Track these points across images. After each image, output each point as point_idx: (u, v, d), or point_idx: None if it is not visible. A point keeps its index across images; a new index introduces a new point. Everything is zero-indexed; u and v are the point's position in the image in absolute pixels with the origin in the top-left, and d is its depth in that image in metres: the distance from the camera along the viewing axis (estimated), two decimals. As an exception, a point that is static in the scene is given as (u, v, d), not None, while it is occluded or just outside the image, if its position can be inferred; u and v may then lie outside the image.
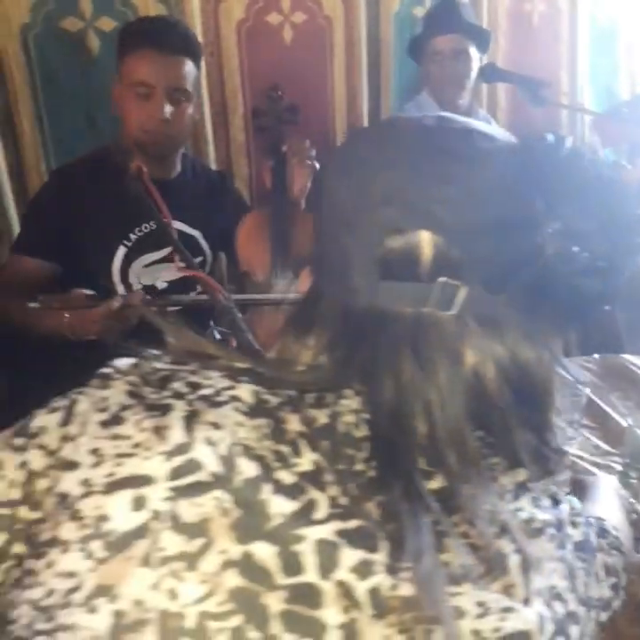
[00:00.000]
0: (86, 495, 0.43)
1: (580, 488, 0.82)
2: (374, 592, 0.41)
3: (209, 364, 0.50)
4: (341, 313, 0.50)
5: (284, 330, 0.54)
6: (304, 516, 0.42)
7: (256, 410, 0.46)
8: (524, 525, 0.46)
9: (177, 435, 0.44)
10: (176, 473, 0.43)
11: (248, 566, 0.41)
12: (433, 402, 0.47)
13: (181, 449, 0.44)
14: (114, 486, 0.43)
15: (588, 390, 1.22)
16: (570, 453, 1.04)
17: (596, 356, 1.36)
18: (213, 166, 1.93)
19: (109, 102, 1.45)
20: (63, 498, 0.44)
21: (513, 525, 0.44)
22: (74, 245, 1.40)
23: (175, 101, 1.40)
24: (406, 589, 0.41)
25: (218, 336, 1.52)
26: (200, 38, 1.80)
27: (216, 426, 0.45)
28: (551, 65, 2.32)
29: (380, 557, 0.41)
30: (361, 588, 0.41)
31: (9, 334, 1.33)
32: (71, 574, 0.42)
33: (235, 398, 0.47)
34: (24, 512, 0.46)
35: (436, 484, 0.45)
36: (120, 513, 0.42)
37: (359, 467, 0.45)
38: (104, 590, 0.41)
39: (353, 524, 0.42)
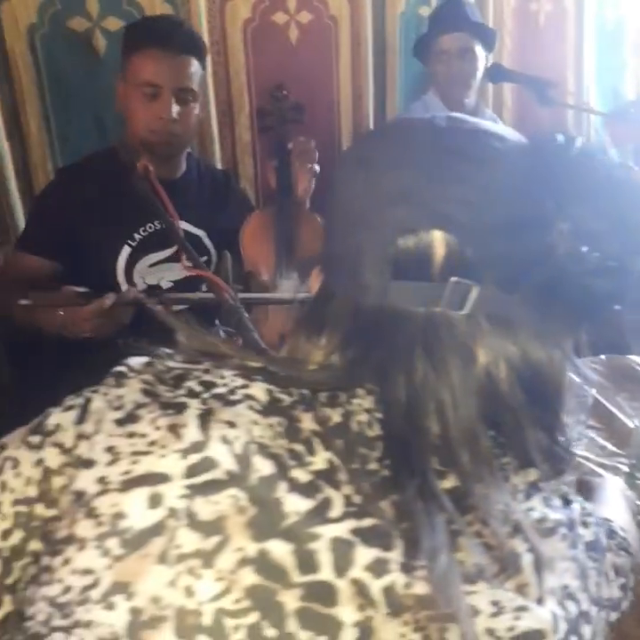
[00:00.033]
0: (102, 493, 0.43)
1: (586, 489, 0.82)
2: (389, 590, 0.41)
3: (222, 363, 0.50)
4: (353, 312, 0.50)
5: (294, 329, 0.54)
6: (319, 514, 0.42)
7: (270, 408, 0.46)
8: (537, 525, 0.46)
9: (192, 433, 0.44)
10: (192, 471, 0.43)
11: (264, 564, 0.41)
12: (445, 401, 0.47)
13: (197, 447, 0.44)
14: (130, 484, 0.43)
15: (594, 391, 1.22)
16: (576, 454, 1.04)
17: (603, 356, 1.35)
18: (219, 165, 1.93)
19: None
20: (79, 495, 0.44)
21: (525, 525, 0.45)
22: (78, 245, 1.40)
23: (182, 101, 1.41)
24: (421, 588, 0.41)
25: (223, 335, 1.52)
26: (206, 38, 1.80)
27: (231, 424, 0.45)
28: (557, 65, 2.32)
29: (395, 556, 0.42)
30: (376, 586, 0.41)
31: (20, 334, 1.34)
32: (88, 571, 0.42)
33: (249, 397, 0.47)
34: (40, 509, 0.46)
35: (448, 483, 0.45)
36: (136, 510, 0.42)
37: (373, 466, 0.45)
38: (121, 587, 0.41)
39: (367, 522, 0.42)
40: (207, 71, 1.82)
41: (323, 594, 0.41)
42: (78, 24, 1.74)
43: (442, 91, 1.97)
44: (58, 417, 0.48)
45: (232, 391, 0.47)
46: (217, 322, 1.53)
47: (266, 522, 0.42)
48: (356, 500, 0.43)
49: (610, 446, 1.11)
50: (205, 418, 0.45)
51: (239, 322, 1.14)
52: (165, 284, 1.49)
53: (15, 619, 0.45)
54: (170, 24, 1.47)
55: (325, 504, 0.43)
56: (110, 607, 0.41)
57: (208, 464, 0.43)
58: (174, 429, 0.45)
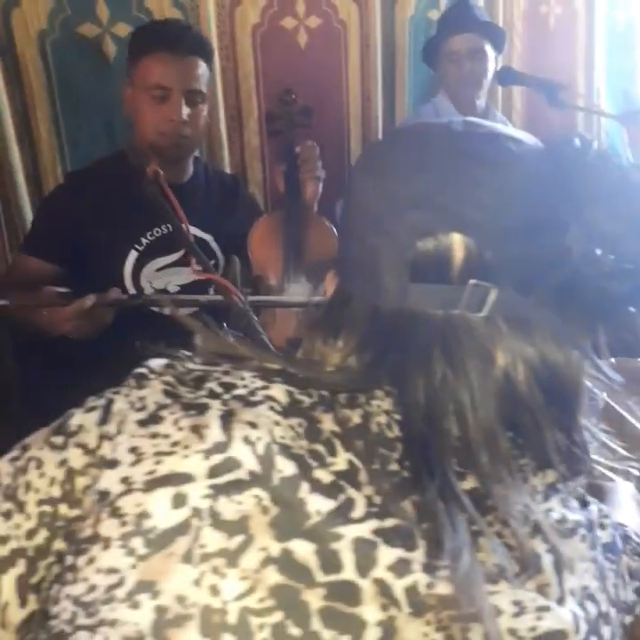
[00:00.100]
0: (126, 493, 0.44)
1: (598, 493, 0.82)
2: (411, 590, 0.41)
3: (241, 365, 0.50)
4: (371, 315, 0.51)
5: (310, 332, 0.54)
6: (341, 514, 0.43)
7: (290, 409, 0.47)
8: (557, 526, 0.46)
9: (215, 433, 0.45)
10: (215, 471, 0.44)
11: (288, 563, 0.42)
12: (464, 403, 0.47)
13: (219, 447, 0.44)
14: (154, 484, 0.44)
15: (604, 394, 1.22)
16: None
17: (613, 360, 1.35)
18: (228, 170, 1.94)
19: (126, 107, 1.46)
20: (103, 496, 0.44)
21: (545, 525, 0.45)
22: (86, 248, 1.41)
23: (191, 102, 1.42)
24: (443, 588, 0.41)
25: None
26: (215, 43, 1.81)
27: (253, 425, 0.45)
28: (567, 67, 2.31)
29: (417, 556, 0.42)
30: (398, 586, 0.41)
31: (20, 335, 1.35)
32: (113, 570, 0.42)
33: (269, 398, 0.47)
34: (64, 509, 0.46)
35: (468, 484, 0.46)
36: (161, 510, 0.43)
37: (393, 467, 0.46)
38: (146, 586, 0.41)
39: (390, 522, 0.43)
40: (216, 76, 1.83)
41: (346, 593, 0.41)
42: (88, 30, 1.76)
43: (452, 92, 1.95)
44: (80, 418, 0.48)
45: (252, 392, 0.48)
46: (225, 325, 1.54)
47: (289, 522, 0.42)
48: (377, 500, 0.44)
49: (620, 450, 1.11)
50: (227, 419, 0.45)
51: (248, 325, 1.15)
52: (172, 288, 1.49)
53: (39, 617, 0.45)
54: (177, 27, 1.48)
55: (347, 504, 0.43)
56: (135, 606, 0.41)
57: (231, 464, 0.44)
58: (197, 430, 0.45)
